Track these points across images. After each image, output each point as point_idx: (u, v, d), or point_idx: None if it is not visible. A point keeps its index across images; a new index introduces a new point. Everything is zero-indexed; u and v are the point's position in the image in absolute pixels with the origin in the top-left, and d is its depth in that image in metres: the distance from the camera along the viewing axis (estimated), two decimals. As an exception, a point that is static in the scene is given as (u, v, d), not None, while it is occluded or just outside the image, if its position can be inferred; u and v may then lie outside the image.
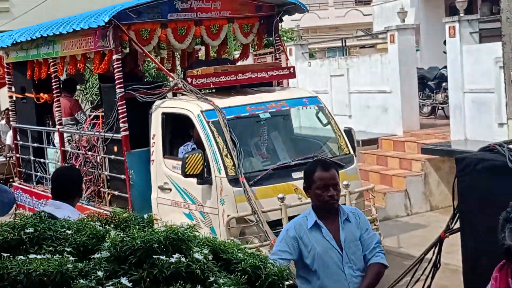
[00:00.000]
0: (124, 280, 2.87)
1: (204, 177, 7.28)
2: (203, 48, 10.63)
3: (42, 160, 10.84)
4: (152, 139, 8.20)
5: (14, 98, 11.68)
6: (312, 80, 15.37)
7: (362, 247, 4.20)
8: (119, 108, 8.32)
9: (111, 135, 8.56)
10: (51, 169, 10.68)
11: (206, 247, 3.30)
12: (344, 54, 17.21)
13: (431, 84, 15.02)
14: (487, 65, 11.26)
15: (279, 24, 9.42)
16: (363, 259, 4.21)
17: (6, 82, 11.84)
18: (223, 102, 7.77)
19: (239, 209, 7.12)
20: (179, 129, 8.26)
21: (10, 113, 11.84)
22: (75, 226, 3.43)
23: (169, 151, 8.14)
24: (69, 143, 10.04)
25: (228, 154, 7.32)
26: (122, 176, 8.42)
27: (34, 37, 9.92)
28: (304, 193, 7.36)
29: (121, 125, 8.32)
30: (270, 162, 7.76)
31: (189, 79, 7.92)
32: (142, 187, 8.32)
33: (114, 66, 8.35)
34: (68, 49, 9.42)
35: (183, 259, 3.00)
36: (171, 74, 8.60)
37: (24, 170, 11.41)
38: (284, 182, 7.35)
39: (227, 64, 8.67)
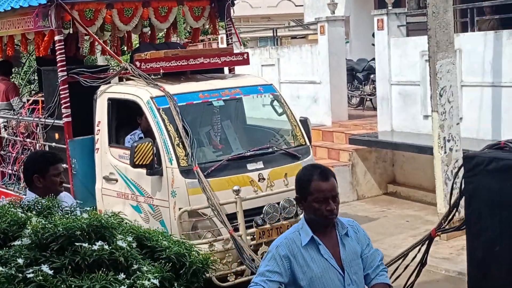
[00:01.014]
0: (45, 268, 2.84)
1: (154, 168, 6.85)
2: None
3: (-26, 147, 10.17)
4: (97, 126, 7.71)
5: None
6: (243, 69, 15.05)
7: (364, 266, 3.56)
8: (61, 92, 7.79)
9: (52, 121, 8.02)
10: (-16, 156, 10.05)
11: (130, 234, 3.34)
12: (275, 44, 17.12)
13: (360, 75, 15.16)
14: (413, 58, 11.40)
15: (231, 8, 9.01)
16: (365, 278, 3.59)
17: None
18: (174, 88, 7.34)
19: (192, 202, 6.71)
20: (126, 116, 7.79)
21: None
22: None
23: (115, 139, 7.66)
24: (5, 129, 9.43)
25: (180, 143, 6.91)
26: (64, 165, 7.88)
27: (-33, 15, 9.24)
28: (260, 186, 7.10)
29: (63, 110, 7.80)
30: (223, 153, 7.38)
31: (137, 63, 7.44)
32: (85, 177, 7.83)
33: (56, 48, 7.80)
34: (6, 28, 8.80)
35: (106, 247, 3.01)
36: (118, 57, 8.09)
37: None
38: (239, 174, 6.98)
39: (177, 48, 8.23)
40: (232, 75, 8.39)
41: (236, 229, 6.63)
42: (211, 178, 6.83)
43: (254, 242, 6.80)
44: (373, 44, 12.63)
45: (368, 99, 14.96)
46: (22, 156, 8.74)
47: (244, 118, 8.50)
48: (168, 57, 7.60)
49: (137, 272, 3.06)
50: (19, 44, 9.26)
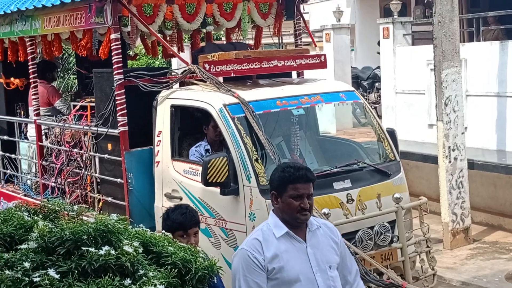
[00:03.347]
0: (51, 272, 2.85)
1: (229, 186, 5.92)
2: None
3: (12, 155, 9.31)
4: (157, 136, 6.79)
5: (-21, 83, 10.08)
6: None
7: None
8: (117, 98, 6.89)
9: (106, 130, 7.12)
10: (24, 166, 9.20)
11: (136, 239, 3.31)
12: (280, 50, 16.90)
13: (365, 83, 15.09)
14: (419, 67, 11.47)
15: (301, 5, 8.08)
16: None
17: (-30, 64, 10.22)
18: (248, 95, 6.41)
19: (273, 227, 5.77)
20: (188, 126, 6.90)
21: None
22: (1, 216, 3.41)
23: (178, 151, 6.75)
24: (46, 138, 8.55)
25: (259, 158, 5.98)
26: (119, 180, 7.00)
27: (9, 11, 8.38)
28: (349, 209, 6.15)
29: (118, 118, 6.90)
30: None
31: (206, 66, 6.53)
32: (143, 194, 6.92)
33: (112, 48, 6.91)
34: (51, 26, 7.92)
35: (113, 252, 3.00)
36: (184, 59, 7.17)
37: (-10, 166, 9.83)
38: (326, 194, 6.02)
39: (246, 50, 7.33)
40: (310, 80, 7.45)
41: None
42: (294, 199, 5.88)
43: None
44: (379, 53, 12.82)
45: (373, 107, 14.49)
46: (68, 167, 7.84)
47: (317, 128, 7.58)
48: (239, 59, 6.69)
49: (143, 277, 3.06)
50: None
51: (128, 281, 2.96)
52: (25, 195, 8.74)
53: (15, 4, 8.22)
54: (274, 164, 6.03)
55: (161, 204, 6.73)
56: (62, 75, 11.38)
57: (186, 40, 9.75)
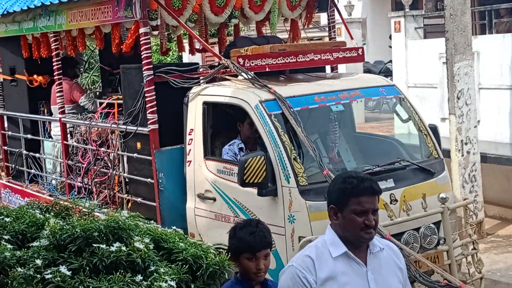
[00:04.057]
0: (63, 269, 2.89)
1: (267, 187, 5.63)
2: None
3: (37, 154, 9.08)
4: (189, 134, 6.52)
5: (1, 80, 9.87)
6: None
7: None
8: (146, 95, 6.63)
9: (135, 128, 6.85)
10: (48, 165, 8.98)
11: (147, 236, 3.35)
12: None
13: None
14: (431, 61, 11.37)
15: (335, -3, 7.78)
16: None
17: (-8, 61, 10.04)
18: (284, 90, 6.11)
19: (314, 230, 5.48)
20: (220, 123, 6.62)
21: (-4, 97, 10.02)
22: (14, 213, 3.49)
23: (211, 150, 6.47)
24: (71, 136, 8.31)
25: (298, 157, 5.69)
26: (149, 180, 6.74)
27: (32, 6, 8.14)
28: (393, 210, 5.83)
29: (148, 116, 6.64)
30: (346, 168, 6.15)
31: (240, 60, 6.24)
32: (174, 194, 6.66)
33: (141, 42, 6.64)
34: (76, 21, 7.66)
35: (124, 248, 3.04)
36: (217, 53, 6.88)
37: (14, 165, 9.60)
38: (369, 195, 5.70)
39: (278, 43, 7.02)
40: (346, 74, 7.15)
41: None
42: (335, 199, 5.59)
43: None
44: (390, 46, 12.76)
45: (385, 102, 14.18)
46: (95, 167, 7.59)
47: (353, 125, 7.28)
48: (275, 53, 6.39)
49: (154, 273, 3.06)
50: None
51: (139, 277, 3.01)
52: (50, 195, 8.51)
53: (38, -1, 7.98)
54: (314, 163, 5.77)
55: (193, 205, 6.47)
56: (83, 71, 11.12)
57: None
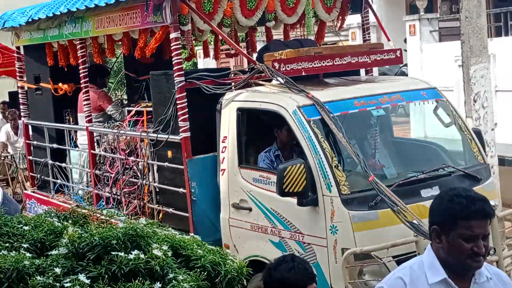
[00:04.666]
0: (82, 277, 2.92)
1: (307, 196, 5.38)
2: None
3: (63, 164, 8.89)
4: (222, 142, 6.29)
5: (26, 89, 9.70)
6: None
7: None
8: (178, 102, 6.41)
9: (166, 136, 6.64)
10: (74, 175, 8.78)
11: (165, 243, 3.34)
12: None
13: None
14: (446, 64, 11.45)
15: (370, -3, 7.53)
16: None
17: (16, 69, 9.88)
18: (322, 95, 5.86)
19: (358, 241, 5.21)
20: (255, 130, 6.39)
21: (21, 107, 9.84)
22: (32, 222, 3.51)
23: (245, 158, 6.23)
24: (98, 145, 8.11)
25: (339, 164, 5.43)
26: (181, 190, 6.52)
27: (58, 13, 7.97)
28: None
29: (180, 124, 6.42)
30: (386, 175, 5.88)
31: (276, 64, 6.00)
32: (207, 204, 6.43)
33: (173, 48, 6.43)
34: (103, 27, 7.48)
35: (142, 256, 3.07)
36: (251, 58, 6.66)
37: (39, 175, 9.42)
38: (413, 203, 5.43)
39: (314, 46, 6.79)
40: (385, 78, 6.89)
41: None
42: (379, 209, 5.32)
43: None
44: (405, 50, 12.47)
45: (400, 106, 14.02)
46: (124, 177, 7.38)
47: (392, 130, 7.01)
48: (310, 57, 6.15)
49: (173, 281, 3.05)
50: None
51: (158, 284, 3.01)
52: (77, 206, 8.30)
53: (65, 5, 7.79)
54: (356, 171, 5.51)
55: (227, 216, 6.23)
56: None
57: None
